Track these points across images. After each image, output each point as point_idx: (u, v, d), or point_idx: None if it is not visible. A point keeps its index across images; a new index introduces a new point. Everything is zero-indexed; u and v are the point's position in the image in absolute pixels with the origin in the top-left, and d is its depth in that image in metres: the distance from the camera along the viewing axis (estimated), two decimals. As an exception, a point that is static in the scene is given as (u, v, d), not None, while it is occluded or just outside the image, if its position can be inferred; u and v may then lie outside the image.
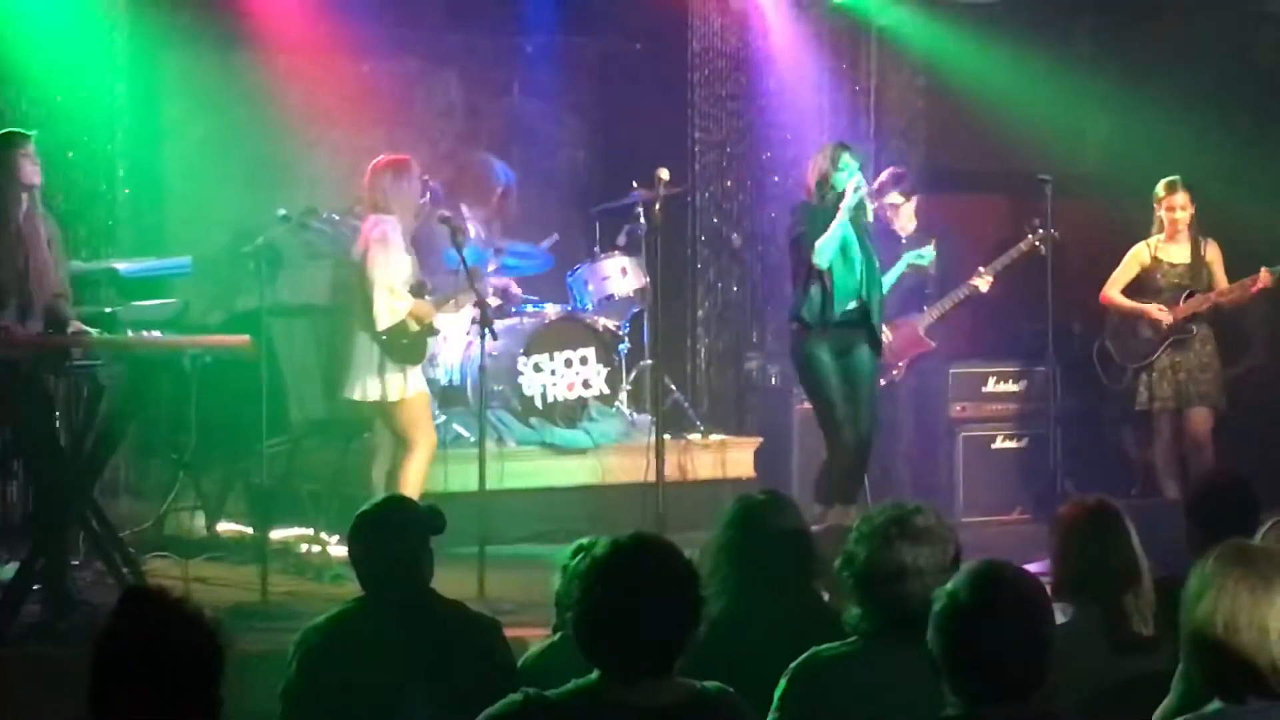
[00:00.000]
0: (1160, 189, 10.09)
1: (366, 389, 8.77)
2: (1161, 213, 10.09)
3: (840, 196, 8.93)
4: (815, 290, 8.98)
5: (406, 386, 8.81)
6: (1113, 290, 10.27)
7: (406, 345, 8.79)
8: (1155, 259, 10.18)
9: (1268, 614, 3.53)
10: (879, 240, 9.60)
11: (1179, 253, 10.15)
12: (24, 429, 7.88)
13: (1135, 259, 10.25)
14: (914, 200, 10.21)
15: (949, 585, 3.67)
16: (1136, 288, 10.24)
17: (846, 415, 9.05)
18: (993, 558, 3.79)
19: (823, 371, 9.06)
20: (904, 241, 10.21)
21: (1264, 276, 9.87)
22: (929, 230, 10.34)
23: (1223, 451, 10.08)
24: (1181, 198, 10.00)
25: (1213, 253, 10.14)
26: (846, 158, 9.07)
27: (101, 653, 3.37)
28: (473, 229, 10.57)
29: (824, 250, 8.90)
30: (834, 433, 9.13)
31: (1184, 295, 10.08)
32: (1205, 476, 6.81)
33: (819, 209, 8.98)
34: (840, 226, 8.89)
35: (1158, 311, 10.06)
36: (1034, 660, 3.60)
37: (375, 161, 8.95)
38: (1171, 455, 10.15)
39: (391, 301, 8.68)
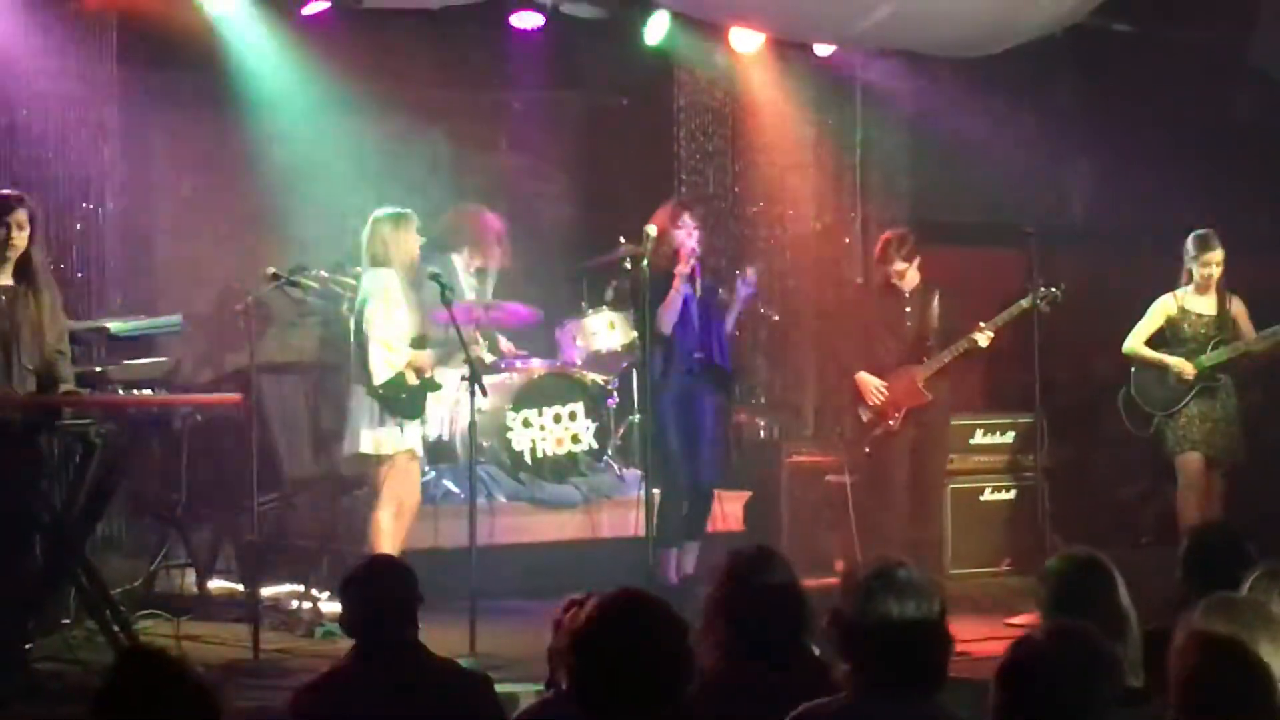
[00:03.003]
0: (1194, 244, 10.10)
1: (360, 441, 8.82)
2: (1194, 266, 10.12)
3: (674, 258, 9.53)
4: (658, 350, 9.51)
5: (396, 440, 8.86)
6: (1136, 341, 10.30)
7: (405, 400, 8.85)
8: (1182, 310, 10.21)
9: (1254, 666, 3.56)
10: (885, 298, 10.23)
11: (1206, 304, 10.19)
12: (11, 489, 7.87)
13: (1162, 310, 10.27)
14: (916, 261, 10.25)
15: (1029, 636, 3.70)
16: (1160, 338, 10.28)
17: (682, 464, 9.63)
18: (1074, 620, 3.83)
19: (663, 423, 9.57)
20: (908, 295, 10.25)
21: None
22: (928, 283, 10.35)
23: (1236, 500, 10.10)
24: (1218, 254, 10.05)
25: (1238, 306, 10.19)
26: (686, 218, 9.70)
27: (100, 714, 3.38)
28: (466, 283, 10.61)
29: (667, 319, 9.54)
30: (669, 480, 9.65)
31: (1212, 346, 10.12)
32: (1198, 528, 6.83)
33: (651, 273, 9.38)
34: (678, 295, 9.53)
35: (1180, 365, 10.10)
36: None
37: (375, 213, 9.04)
38: (1194, 499, 10.11)
39: (387, 356, 8.76)
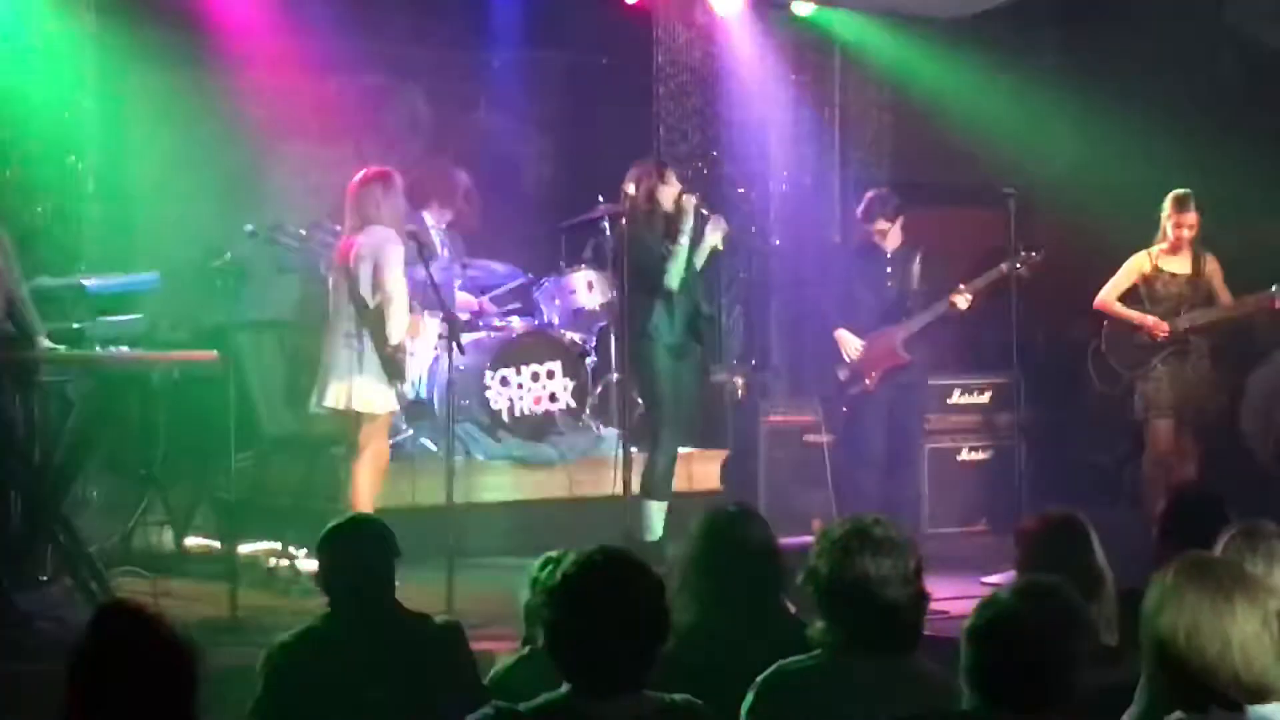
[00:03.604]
0: (1170, 203, 10.02)
1: (354, 399, 8.72)
2: (1168, 226, 10.08)
3: (672, 214, 9.51)
4: (662, 307, 9.53)
5: (389, 400, 8.83)
6: (1109, 297, 10.25)
7: (401, 359, 8.81)
8: (1156, 268, 10.17)
9: (1228, 625, 3.56)
10: (866, 258, 10.30)
11: (1179, 264, 10.14)
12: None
13: (1135, 268, 10.20)
14: (899, 220, 10.24)
15: (997, 594, 3.72)
16: (1133, 296, 10.23)
17: (671, 418, 9.62)
18: (1044, 577, 3.84)
19: (663, 380, 9.61)
20: (889, 256, 10.24)
21: None
22: (910, 244, 10.33)
23: (1212, 464, 10.10)
24: (1192, 216, 9.99)
25: (1212, 266, 10.11)
26: (671, 174, 9.69)
27: (77, 669, 3.38)
28: (437, 239, 10.59)
29: (675, 274, 9.50)
30: (659, 433, 9.65)
31: (1185, 306, 10.09)
32: (1177, 489, 6.83)
33: (643, 229, 9.41)
34: (684, 250, 9.49)
35: (1155, 325, 10.07)
36: (1066, 676, 3.64)
37: (364, 174, 8.89)
38: (1162, 466, 10.09)
39: (402, 317, 8.69)
